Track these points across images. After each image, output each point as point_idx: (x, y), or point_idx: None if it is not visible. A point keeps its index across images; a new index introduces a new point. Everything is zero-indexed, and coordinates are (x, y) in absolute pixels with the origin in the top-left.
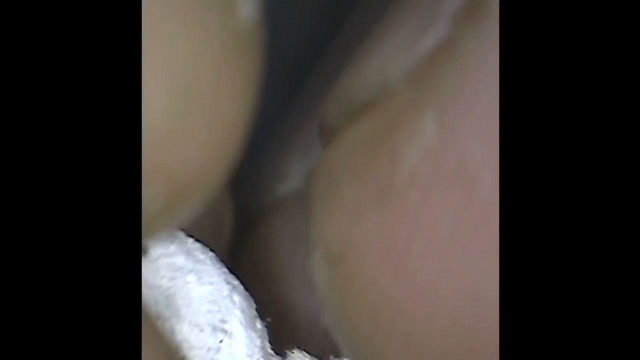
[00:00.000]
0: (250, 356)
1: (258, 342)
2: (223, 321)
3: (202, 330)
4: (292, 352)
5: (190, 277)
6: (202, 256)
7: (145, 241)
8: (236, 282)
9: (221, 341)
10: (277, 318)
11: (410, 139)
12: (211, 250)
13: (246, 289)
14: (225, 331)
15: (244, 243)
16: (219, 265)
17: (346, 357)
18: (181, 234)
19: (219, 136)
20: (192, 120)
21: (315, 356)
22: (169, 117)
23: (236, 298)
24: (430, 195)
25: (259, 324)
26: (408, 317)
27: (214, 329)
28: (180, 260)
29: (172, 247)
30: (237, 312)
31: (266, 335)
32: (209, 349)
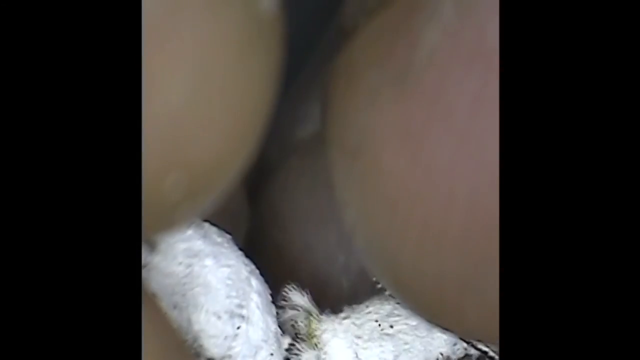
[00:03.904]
0: (265, 341)
1: (273, 327)
2: (240, 306)
3: (219, 318)
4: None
5: (208, 261)
6: (219, 239)
7: (153, 237)
8: (253, 266)
9: (239, 327)
10: (296, 258)
11: (429, 21)
12: (227, 232)
13: (262, 274)
14: (242, 317)
15: (263, 188)
16: (235, 248)
17: (363, 261)
18: (196, 220)
19: (240, 124)
20: (213, 107)
21: (334, 295)
22: (190, 104)
23: (253, 282)
24: (448, 75)
25: (274, 310)
26: (426, 204)
27: (232, 315)
28: (197, 244)
29: (189, 232)
30: (255, 296)
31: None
32: (226, 337)
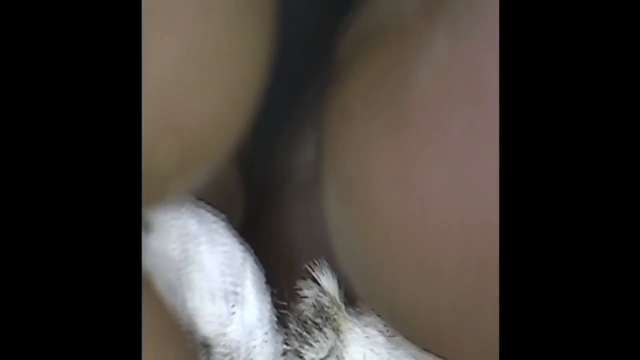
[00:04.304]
0: (260, 320)
1: (268, 308)
2: (235, 286)
3: (213, 297)
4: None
5: (203, 243)
6: (214, 221)
7: (147, 216)
8: (248, 248)
9: (233, 306)
10: (291, 286)
11: (422, 58)
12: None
13: (257, 254)
14: (237, 296)
15: (259, 215)
16: (230, 229)
17: (359, 292)
18: (191, 198)
19: (233, 93)
20: (205, 75)
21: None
22: (183, 72)
23: (248, 263)
24: (442, 109)
25: (269, 291)
26: (421, 238)
27: (226, 295)
28: (192, 226)
29: (183, 213)
30: (250, 276)
31: (274, 307)
32: (220, 316)
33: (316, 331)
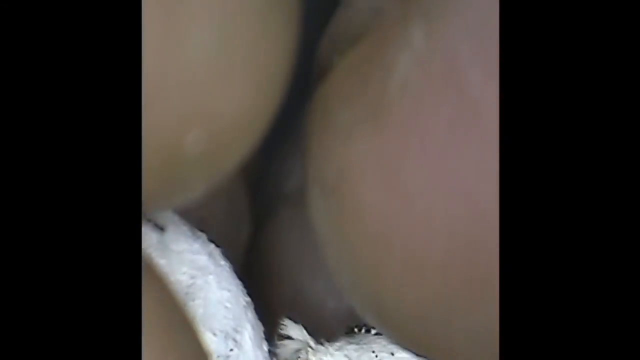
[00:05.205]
0: None
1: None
2: (235, 331)
3: (215, 335)
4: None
5: (211, 278)
6: (222, 262)
7: (161, 219)
8: (249, 299)
9: (231, 350)
10: (289, 303)
11: (401, 51)
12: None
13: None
14: (236, 341)
15: (256, 240)
16: (235, 276)
17: (348, 300)
18: (203, 235)
19: (260, 84)
20: (235, 64)
21: (325, 337)
22: (213, 60)
23: (249, 313)
24: (421, 104)
25: (265, 346)
26: (406, 233)
27: (227, 336)
28: (202, 259)
29: (196, 245)
30: (249, 327)
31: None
32: (218, 356)
33: None
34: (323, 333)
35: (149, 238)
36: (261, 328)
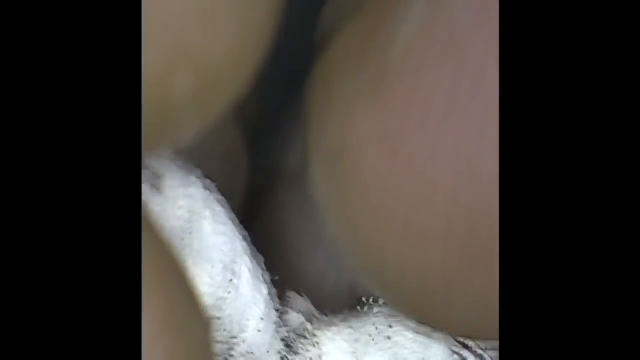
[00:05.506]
0: (255, 304)
1: (265, 292)
2: (233, 262)
3: (213, 267)
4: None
5: (207, 213)
6: (219, 196)
7: (158, 168)
8: (245, 233)
9: (230, 280)
10: (288, 277)
11: (402, 19)
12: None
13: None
14: (234, 272)
15: (255, 212)
16: (232, 212)
17: (350, 269)
18: (199, 171)
19: (249, 27)
20: (221, 8)
21: (324, 313)
22: (198, 2)
23: (245, 245)
24: (422, 73)
25: (267, 276)
26: (407, 201)
27: (225, 267)
28: (199, 192)
29: (192, 178)
30: (246, 259)
31: (274, 289)
32: (218, 287)
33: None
34: (325, 307)
35: (145, 185)
36: (261, 259)
